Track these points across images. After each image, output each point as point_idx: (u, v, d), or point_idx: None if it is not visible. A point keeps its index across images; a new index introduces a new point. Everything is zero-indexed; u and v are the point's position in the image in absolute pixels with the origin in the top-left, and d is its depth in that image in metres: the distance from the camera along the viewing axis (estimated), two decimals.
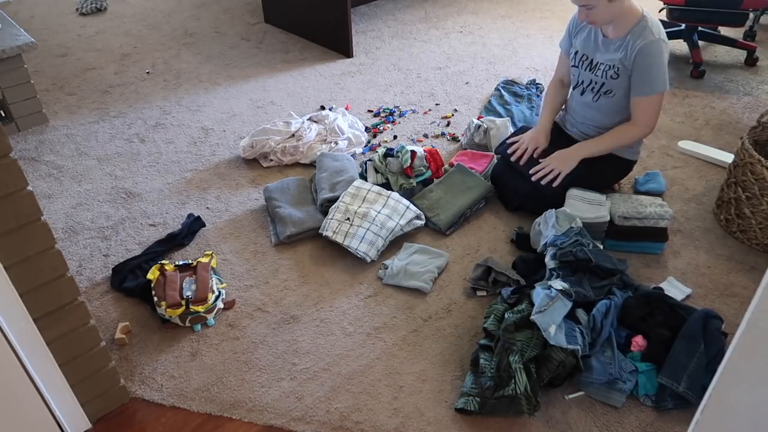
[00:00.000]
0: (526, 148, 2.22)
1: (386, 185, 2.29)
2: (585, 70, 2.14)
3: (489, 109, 2.92)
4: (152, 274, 1.89)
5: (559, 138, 2.29)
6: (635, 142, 2.14)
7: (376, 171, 2.38)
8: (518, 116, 2.85)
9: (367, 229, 2.04)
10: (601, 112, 2.15)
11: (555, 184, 2.10)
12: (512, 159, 2.22)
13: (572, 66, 2.20)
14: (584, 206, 2.05)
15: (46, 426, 1.46)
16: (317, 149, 2.57)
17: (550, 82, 2.37)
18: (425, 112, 2.95)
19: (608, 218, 2.03)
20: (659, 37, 1.94)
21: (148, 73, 3.40)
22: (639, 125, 2.06)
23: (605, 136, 2.13)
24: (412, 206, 2.15)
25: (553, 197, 2.13)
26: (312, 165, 2.56)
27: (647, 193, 2.31)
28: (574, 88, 2.23)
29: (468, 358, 1.72)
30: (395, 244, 2.11)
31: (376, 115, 2.94)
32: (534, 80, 3.17)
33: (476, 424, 1.55)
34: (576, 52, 2.17)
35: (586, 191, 2.10)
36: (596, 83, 2.11)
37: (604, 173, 2.21)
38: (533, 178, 2.14)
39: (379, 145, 2.70)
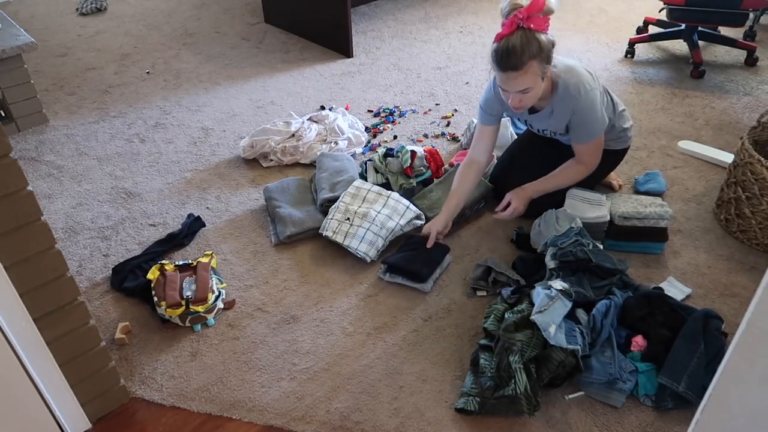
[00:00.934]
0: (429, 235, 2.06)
1: (386, 185, 2.29)
2: (530, 128, 2.18)
3: None
4: (152, 274, 1.89)
5: (555, 144, 2.26)
6: (583, 177, 2.07)
7: (376, 171, 2.38)
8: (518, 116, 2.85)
9: (367, 229, 2.04)
10: (560, 143, 2.17)
11: (507, 217, 2.07)
12: (427, 245, 2.04)
13: (523, 123, 2.21)
14: (584, 206, 2.05)
15: (46, 426, 1.46)
16: (317, 149, 2.57)
17: (462, 164, 2.13)
18: (425, 112, 2.95)
19: (608, 218, 2.03)
20: (579, 91, 1.88)
21: (148, 73, 3.40)
22: (584, 164, 2.05)
23: (551, 177, 2.08)
24: (412, 206, 2.15)
25: (553, 198, 2.13)
26: (312, 165, 2.56)
27: (647, 193, 2.31)
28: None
29: (468, 358, 1.72)
30: (395, 243, 2.11)
31: (376, 115, 2.94)
32: None
33: (476, 425, 1.55)
34: (517, 118, 2.19)
35: (586, 191, 2.10)
36: (548, 135, 2.13)
37: (600, 166, 2.20)
38: (498, 217, 2.10)
39: (379, 145, 2.70)
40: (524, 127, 2.71)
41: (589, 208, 2.04)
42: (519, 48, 1.73)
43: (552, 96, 1.93)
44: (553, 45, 1.81)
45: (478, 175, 2.11)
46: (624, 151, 2.23)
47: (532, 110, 2.04)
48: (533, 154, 2.25)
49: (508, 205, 2.08)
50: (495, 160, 2.44)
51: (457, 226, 2.19)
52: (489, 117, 2.08)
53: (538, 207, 2.21)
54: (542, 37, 1.76)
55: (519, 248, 2.09)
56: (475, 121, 2.60)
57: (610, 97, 2.08)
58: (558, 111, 1.95)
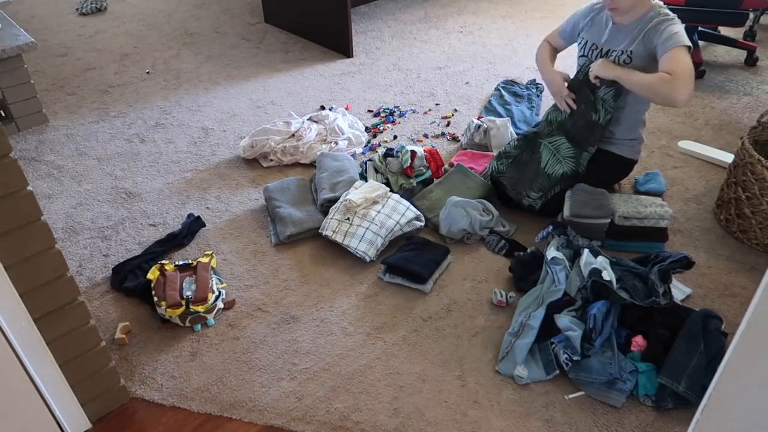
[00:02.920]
0: (565, 94, 2.18)
1: (386, 185, 2.29)
2: (596, 58, 2.12)
3: (489, 109, 2.92)
4: (152, 274, 1.89)
5: (539, 140, 2.28)
6: (663, 98, 1.91)
7: (376, 171, 2.38)
8: (518, 116, 2.85)
9: (367, 228, 2.04)
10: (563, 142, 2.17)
11: (592, 77, 2.07)
12: (567, 110, 2.19)
13: (581, 56, 2.19)
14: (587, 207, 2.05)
15: (46, 426, 1.46)
16: (317, 149, 2.57)
17: (542, 43, 2.36)
18: (425, 112, 2.95)
19: (609, 218, 2.03)
20: (672, 19, 1.96)
21: (148, 73, 3.40)
22: (676, 75, 1.86)
23: (647, 74, 1.94)
24: (412, 207, 2.15)
25: (553, 198, 2.14)
26: (312, 165, 2.56)
27: (647, 193, 2.31)
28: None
29: (468, 358, 1.72)
30: (395, 243, 2.11)
31: (376, 115, 2.94)
32: (534, 80, 3.17)
33: (477, 425, 1.55)
34: (585, 42, 2.17)
35: (587, 188, 2.10)
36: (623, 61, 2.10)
37: (604, 172, 2.21)
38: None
39: (379, 145, 2.70)
40: (525, 128, 2.71)
41: (591, 210, 2.04)
42: None
43: (642, 15, 2.00)
44: None
45: (552, 52, 2.33)
46: (632, 164, 2.25)
47: (615, 23, 2.08)
48: (533, 154, 2.25)
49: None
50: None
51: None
52: (564, 27, 2.27)
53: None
54: None
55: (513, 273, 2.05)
56: (475, 121, 2.60)
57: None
58: (645, 28, 1.98)
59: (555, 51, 2.34)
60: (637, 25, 2.01)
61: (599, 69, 2.04)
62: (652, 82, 1.90)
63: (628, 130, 2.16)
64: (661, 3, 2.02)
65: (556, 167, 2.14)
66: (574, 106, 2.15)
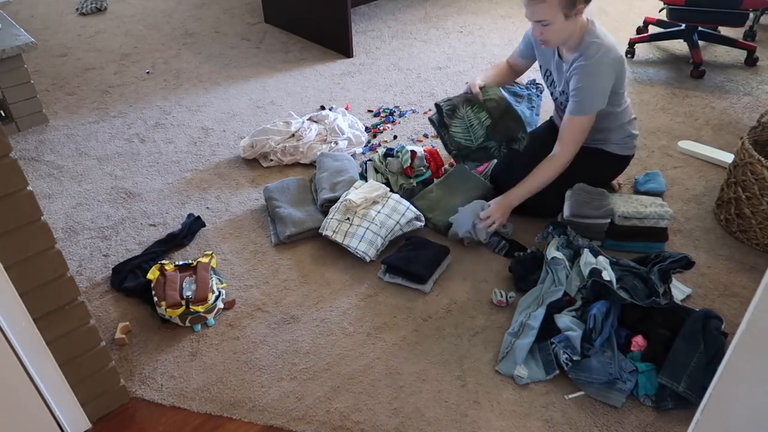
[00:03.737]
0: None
1: (386, 185, 2.29)
2: (549, 85, 2.18)
3: None
4: (152, 274, 1.89)
5: (539, 140, 2.27)
6: (557, 173, 2.02)
7: (376, 171, 2.38)
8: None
9: (367, 228, 2.04)
10: None
11: (490, 231, 2.06)
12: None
13: (543, 78, 2.22)
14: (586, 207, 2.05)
15: (46, 426, 1.46)
16: (317, 149, 2.57)
17: (501, 62, 2.32)
18: (425, 112, 2.95)
19: (609, 218, 2.03)
20: (599, 49, 1.89)
21: (148, 73, 3.40)
22: (559, 151, 1.99)
23: (529, 179, 2.05)
24: (412, 207, 2.15)
25: (553, 198, 2.14)
26: (312, 165, 2.56)
27: (647, 193, 2.31)
28: (553, 99, 2.24)
29: (468, 358, 1.72)
30: (395, 243, 2.11)
31: (376, 115, 2.94)
32: (534, 80, 3.17)
33: (477, 425, 1.55)
34: (541, 66, 2.19)
35: (588, 188, 2.10)
36: (558, 95, 2.13)
37: (602, 171, 2.21)
38: (481, 231, 2.06)
39: (379, 145, 2.70)
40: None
41: (590, 211, 2.04)
42: None
43: (580, 46, 1.95)
44: None
45: (505, 72, 2.28)
46: (628, 159, 2.24)
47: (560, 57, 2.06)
48: (533, 155, 2.25)
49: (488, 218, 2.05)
50: (494, 160, 2.43)
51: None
52: (523, 51, 2.22)
53: (537, 207, 2.21)
54: None
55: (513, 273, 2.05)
56: None
57: (626, 98, 2.11)
58: (575, 63, 1.95)
59: (511, 69, 2.28)
60: (575, 59, 1.96)
61: (502, 216, 2.04)
62: (546, 176, 2.02)
63: (616, 135, 2.15)
64: (596, 28, 1.93)
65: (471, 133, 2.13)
66: (475, 91, 2.11)
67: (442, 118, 2.10)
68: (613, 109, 2.07)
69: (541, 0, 1.82)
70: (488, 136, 2.07)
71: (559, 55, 2.06)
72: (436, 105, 2.14)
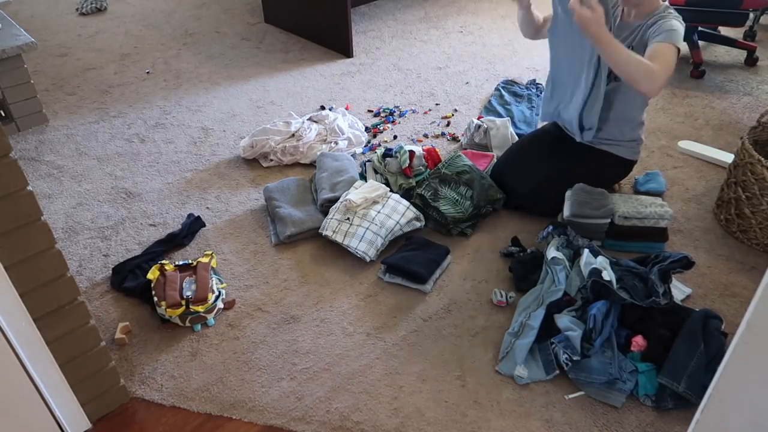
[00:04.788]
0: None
1: (386, 185, 2.29)
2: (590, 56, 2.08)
3: (489, 109, 2.92)
4: (152, 274, 1.89)
5: (560, 139, 2.29)
6: (643, 79, 1.84)
7: (375, 171, 2.38)
8: (518, 116, 2.85)
9: (367, 228, 2.04)
10: (607, 101, 2.09)
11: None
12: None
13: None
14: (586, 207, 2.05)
15: (46, 426, 1.46)
16: (317, 149, 2.57)
17: None
18: (425, 112, 2.95)
19: (609, 218, 2.03)
20: (678, 23, 1.95)
21: (148, 73, 3.40)
22: (655, 65, 1.84)
23: (629, 52, 1.88)
24: (412, 207, 2.15)
25: (553, 198, 2.14)
26: (312, 165, 2.56)
27: (647, 193, 2.32)
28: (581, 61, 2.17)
29: (468, 358, 1.72)
30: (395, 243, 2.11)
31: (376, 115, 2.94)
32: (534, 80, 3.17)
33: (477, 425, 1.55)
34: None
35: (587, 188, 2.10)
36: (599, 69, 2.07)
37: (603, 173, 2.21)
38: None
39: (379, 145, 2.70)
40: (525, 128, 2.71)
41: (591, 211, 2.04)
42: None
43: (651, 12, 1.99)
44: None
45: (538, 26, 2.21)
46: (632, 164, 2.24)
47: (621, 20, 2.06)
48: (533, 155, 2.26)
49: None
50: (494, 160, 2.44)
51: (476, 219, 2.20)
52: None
53: (538, 206, 2.22)
54: None
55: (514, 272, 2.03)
56: (475, 121, 2.60)
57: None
58: (647, 25, 1.97)
59: (542, 24, 2.21)
60: (642, 23, 2.01)
61: (587, 22, 1.83)
62: (631, 63, 1.82)
63: (628, 132, 2.15)
64: (671, 7, 2.01)
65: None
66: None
67: (427, 203, 2.18)
68: (631, 98, 2.08)
69: None
70: (474, 204, 2.17)
71: (622, 18, 2.07)
72: (418, 193, 2.21)
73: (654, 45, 1.91)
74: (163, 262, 1.94)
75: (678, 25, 1.95)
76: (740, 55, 3.42)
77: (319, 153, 2.51)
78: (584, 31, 1.85)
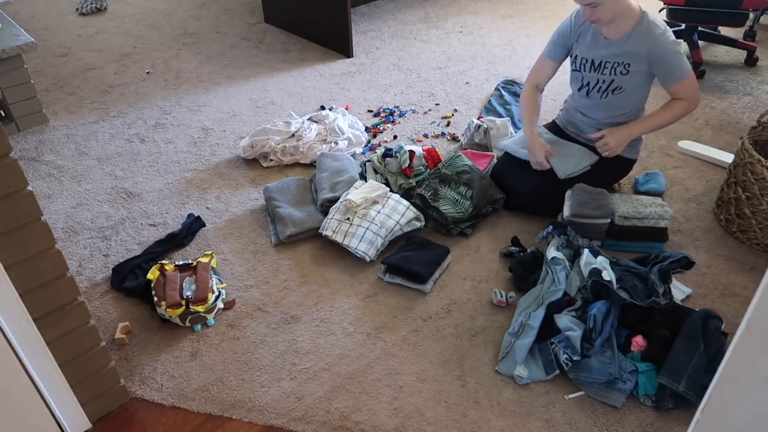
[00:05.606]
0: (541, 161, 2.16)
1: (386, 185, 2.29)
2: (589, 71, 2.13)
3: (489, 109, 2.92)
4: (152, 274, 1.89)
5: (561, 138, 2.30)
6: (682, 117, 2.10)
7: (375, 172, 2.38)
8: (518, 116, 2.85)
9: (367, 228, 2.04)
10: (607, 110, 2.15)
11: (606, 154, 2.11)
12: (537, 168, 2.19)
13: (574, 70, 2.20)
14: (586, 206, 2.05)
15: (46, 426, 1.46)
16: (317, 149, 2.57)
17: (525, 87, 2.30)
18: (425, 112, 2.95)
19: (609, 218, 2.03)
20: (664, 29, 1.97)
21: (148, 73, 3.40)
22: (687, 100, 2.06)
23: (653, 116, 2.11)
24: (412, 207, 2.15)
25: (553, 198, 2.14)
26: (312, 165, 2.56)
27: (647, 193, 2.32)
28: (578, 90, 2.22)
29: (468, 358, 1.72)
30: (395, 243, 2.11)
31: (376, 115, 2.94)
32: None
33: (477, 425, 1.55)
34: (576, 57, 2.17)
35: (587, 188, 2.10)
36: (604, 82, 2.10)
37: (604, 172, 2.21)
38: (600, 150, 2.12)
39: (379, 145, 2.70)
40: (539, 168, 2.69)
41: (591, 211, 2.04)
42: None
43: (633, 27, 1.99)
44: None
45: (539, 97, 2.28)
46: (632, 163, 2.25)
47: (605, 37, 2.07)
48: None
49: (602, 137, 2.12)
50: (494, 160, 2.44)
51: (476, 219, 2.19)
52: (556, 49, 2.21)
53: (538, 207, 2.22)
54: None
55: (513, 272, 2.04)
56: (475, 121, 2.60)
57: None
58: (636, 40, 1.99)
59: (539, 92, 2.29)
60: (630, 38, 2.00)
61: (617, 146, 2.09)
62: (672, 117, 2.08)
63: None
64: (649, 14, 2.00)
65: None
66: (547, 167, 2.16)
67: (427, 203, 2.18)
68: (646, 93, 2.12)
69: None
70: (474, 204, 2.16)
71: (604, 37, 2.07)
72: (418, 193, 2.22)
73: (675, 87, 2.04)
74: (163, 262, 1.94)
75: (674, 46, 1.97)
76: (740, 55, 3.42)
77: (319, 153, 2.51)
78: (622, 147, 2.10)
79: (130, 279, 1.97)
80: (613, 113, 2.14)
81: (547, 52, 2.24)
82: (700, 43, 3.34)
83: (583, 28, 2.12)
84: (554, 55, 2.23)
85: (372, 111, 2.98)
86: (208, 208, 2.34)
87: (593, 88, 2.15)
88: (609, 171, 2.24)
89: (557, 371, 1.66)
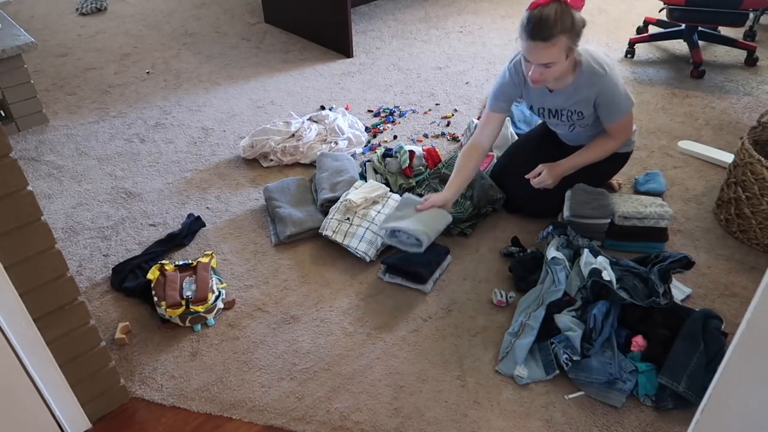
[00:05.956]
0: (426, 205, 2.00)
1: (386, 186, 2.29)
2: (548, 117, 2.15)
3: None
4: (152, 274, 1.89)
5: (556, 137, 2.29)
6: (614, 150, 2.10)
7: (375, 172, 2.38)
8: (518, 116, 2.85)
9: (367, 228, 2.04)
10: (578, 138, 2.18)
11: (538, 186, 2.10)
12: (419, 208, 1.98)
13: (535, 114, 2.20)
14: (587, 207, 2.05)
15: (46, 426, 1.46)
16: (317, 149, 2.57)
17: (465, 146, 2.09)
18: (425, 112, 2.95)
19: (609, 218, 2.03)
20: (603, 69, 1.92)
21: (148, 73, 3.40)
22: (615, 139, 2.07)
23: (583, 152, 2.10)
24: None
25: (552, 200, 2.14)
26: (312, 165, 2.56)
27: (647, 193, 2.32)
28: (549, 123, 2.23)
29: (468, 358, 1.72)
30: None
31: (376, 115, 2.94)
32: None
33: (477, 425, 1.55)
34: (532, 107, 2.17)
35: (588, 188, 2.10)
36: (564, 122, 2.12)
37: (600, 169, 2.21)
38: (535, 185, 2.11)
39: (379, 145, 2.70)
40: (525, 128, 2.71)
41: (591, 212, 2.04)
42: (552, 19, 1.73)
43: (576, 74, 1.94)
44: (584, 25, 1.82)
45: (480, 157, 2.07)
46: (627, 156, 2.24)
47: (550, 90, 2.03)
48: (533, 156, 2.25)
49: (539, 174, 2.09)
50: (494, 160, 2.44)
51: (476, 219, 2.19)
52: (500, 104, 2.09)
53: (537, 208, 2.22)
54: (576, 14, 1.78)
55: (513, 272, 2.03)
56: (475, 121, 2.60)
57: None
58: (582, 88, 1.96)
59: (478, 152, 2.07)
60: (575, 87, 1.97)
61: (553, 183, 2.08)
62: (601, 154, 2.08)
63: None
64: (584, 54, 1.93)
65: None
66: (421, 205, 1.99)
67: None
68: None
69: (552, 44, 1.75)
70: (474, 204, 2.16)
71: (548, 89, 2.03)
72: (418, 193, 2.20)
73: (609, 126, 2.03)
74: (163, 262, 1.94)
75: (615, 88, 1.93)
76: (740, 55, 3.42)
77: (319, 153, 2.51)
78: (556, 181, 2.09)
79: (130, 279, 1.97)
80: (586, 136, 2.15)
81: (491, 106, 2.10)
82: (700, 43, 3.34)
83: (526, 80, 2.03)
84: (500, 108, 2.09)
85: (372, 111, 2.98)
86: (208, 208, 2.34)
87: (557, 126, 2.18)
88: (605, 165, 2.23)
89: (557, 371, 1.66)
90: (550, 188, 2.10)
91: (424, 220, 1.92)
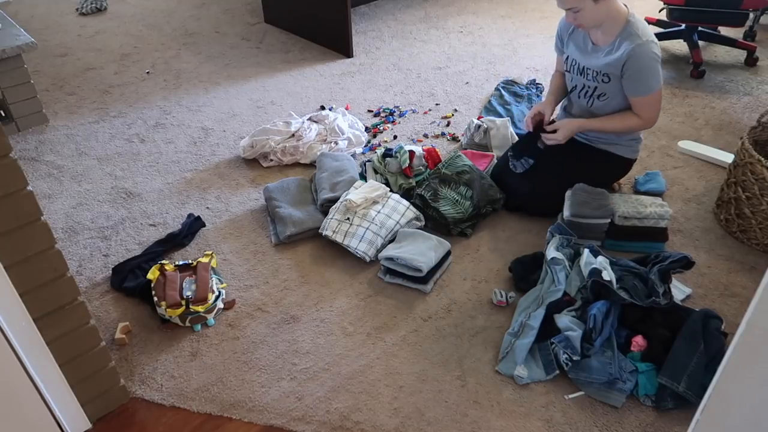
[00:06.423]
0: (534, 115, 2.19)
1: (386, 186, 2.29)
2: (577, 74, 2.15)
3: (489, 109, 2.92)
4: (152, 274, 1.89)
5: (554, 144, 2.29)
6: (634, 131, 2.13)
7: (375, 172, 2.38)
8: (518, 116, 2.85)
9: (367, 228, 2.04)
10: (596, 117, 2.16)
11: (548, 142, 2.15)
12: (524, 128, 2.23)
13: (566, 71, 2.20)
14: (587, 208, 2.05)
15: (46, 426, 1.46)
16: (317, 149, 2.57)
17: (553, 73, 2.36)
18: (425, 112, 2.95)
19: (609, 218, 2.03)
20: (646, 39, 1.94)
21: (148, 73, 3.40)
22: (641, 118, 2.06)
23: (609, 117, 2.11)
24: (412, 207, 2.15)
25: (552, 200, 2.14)
26: (312, 165, 2.56)
27: (647, 193, 2.32)
28: (570, 92, 2.22)
29: (468, 358, 1.72)
30: None
31: (376, 115, 2.94)
32: (534, 80, 3.17)
33: (477, 425, 1.55)
34: (567, 57, 2.18)
35: (588, 189, 2.10)
36: (589, 87, 2.11)
37: (602, 172, 2.21)
38: (543, 138, 2.16)
39: (379, 145, 2.70)
40: (525, 129, 2.71)
41: (591, 211, 2.04)
42: None
43: (618, 34, 1.99)
44: None
45: (563, 78, 2.28)
46: (631, 162, 2.24)
47: (594, 42, 2.08)
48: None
49: (554, 131, 2.13)
50: (494, 160, 2.44)
51: (476, 219, 2.19)
52: (557, 43, 2.25)
53: (537, 207, 2.22)
54: None
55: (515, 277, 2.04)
56: (475, 121, 2.60)
57: None
58: (619, 47, 1.98)
59: (563, 77, 2.28)
60: (613, 47, 2.00)
61: (563, 139, 2.10)
62: (623, 126, 2.09)
63: (627, 135, 2.16)
64: (635, 19, 1.98)
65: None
66: (525, 128, 2.22)
67: (427, 203, 2.17)
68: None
69: None
70: (474, 205, 2.16)
71: (593, 42, 2.08)
72: (418, 193, 2.22)
73: (634, 100, 2.04)
74: (163, 262, 1.94)
75: (650, 61, 1.95)
76: (740, 55, 3.42)
77: (319, 153, 2.51)
78: (567, 140, 2.12)
79: (130, 279, 1.97)
80: (604, 114, 2.14)
81: (555, 46, 2.28)
82: (700, 43, 3.34)
83: (574, 27, 2.12)
84: (558, 48, 2.26)
85: (372, 111, 2.98)
86: (208, 208, 2.34)
87: (580, 91, 2.17)
88: (608, 170, 2.24)
89: (557, 371, 1.66)
90: (561, 143, 2.12)
91: (422, 250, 1.95)
